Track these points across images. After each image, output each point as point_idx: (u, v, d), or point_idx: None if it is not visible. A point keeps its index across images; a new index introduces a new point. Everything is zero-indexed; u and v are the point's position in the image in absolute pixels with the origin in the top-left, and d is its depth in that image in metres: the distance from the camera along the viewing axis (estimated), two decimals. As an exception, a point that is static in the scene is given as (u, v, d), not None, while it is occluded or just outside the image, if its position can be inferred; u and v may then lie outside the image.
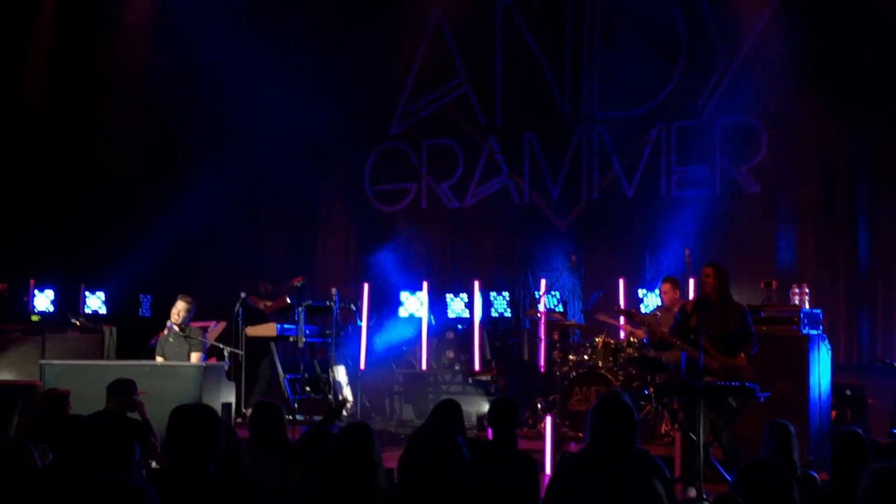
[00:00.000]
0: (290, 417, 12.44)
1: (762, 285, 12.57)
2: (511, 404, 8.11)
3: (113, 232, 17.87)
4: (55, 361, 12.89)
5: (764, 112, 16.01)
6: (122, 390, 9.74)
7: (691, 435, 10.05)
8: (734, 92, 16.21)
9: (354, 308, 15.42)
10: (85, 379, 11.46)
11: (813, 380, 11.70)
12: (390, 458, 8.02)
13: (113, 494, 4.53)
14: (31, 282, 15.89)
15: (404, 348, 16.27)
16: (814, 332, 11.98)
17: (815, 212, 15.69)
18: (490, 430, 8.15)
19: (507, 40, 17.77)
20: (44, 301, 15.83)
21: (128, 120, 18.52)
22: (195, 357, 13.25)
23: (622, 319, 13.69)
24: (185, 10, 17.98)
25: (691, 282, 13.33)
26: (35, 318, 15.50)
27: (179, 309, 13.33)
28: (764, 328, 11.66)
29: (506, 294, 16.42)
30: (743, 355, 10.37)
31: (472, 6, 17.92)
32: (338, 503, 5.59)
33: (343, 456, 5.65)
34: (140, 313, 16.44)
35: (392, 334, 16.34)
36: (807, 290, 12.52)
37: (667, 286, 13.50)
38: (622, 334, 14.05)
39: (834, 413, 12.49)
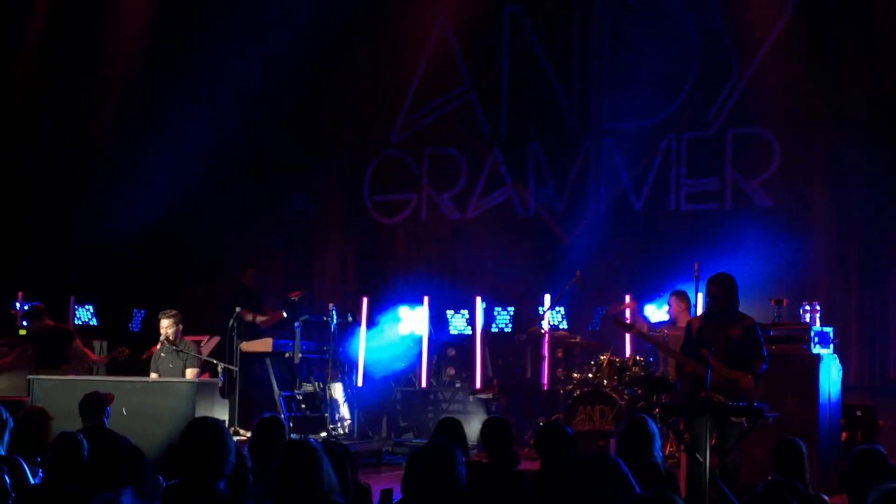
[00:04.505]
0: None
1: (772, 302, 12.26)
2: (504, 422, 7.85)
3: (103, 245, 17.51)
4: (43, 377, 12.63)
5: (777, 123, 15.73)
6: (93, 408, 9.50)
7: (697, 456, 9.68)
8: (747, 102, 16.00)
9: (352, 319, 15.08)
10: (74, 394, 11.15)
11: (823, 400, 11.46)
12: (388, 479, 7.77)
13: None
14: (20, 294, 15.60)
15: (403, 365, 15.90)
16: (824, 351, 11.70)
17: (828, 227, 15.36)
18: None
19: (514, 48, 17.48)
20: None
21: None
22: (191, 373, 12.92)
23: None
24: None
25: (700, 297, 13.00)
26: (23, 332, 15.15)
27: (164, 326, 13.01)
28: (773, 347, 11.37)
29: (509, 310, 16.08)
30: (750, 377, 9.93)
31: (479, 12, 17.56)
32: None
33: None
34: (130, 328, 16.10)
35: (390, 354, 15.92)
36: (818, 308, 12.22)
37: (673, 299, 13.49)
38: (628, 351, 13.82)
39: (844, 434, 12.23)
